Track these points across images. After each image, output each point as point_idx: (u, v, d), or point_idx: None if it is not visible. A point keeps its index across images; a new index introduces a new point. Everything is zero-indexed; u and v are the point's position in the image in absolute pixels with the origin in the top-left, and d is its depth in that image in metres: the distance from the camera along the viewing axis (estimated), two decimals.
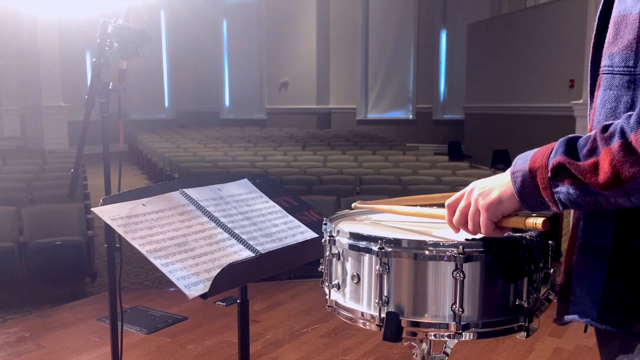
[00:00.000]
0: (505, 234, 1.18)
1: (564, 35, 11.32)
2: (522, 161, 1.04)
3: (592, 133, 0.96)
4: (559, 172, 0.97)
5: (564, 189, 0.97)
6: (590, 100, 1.12)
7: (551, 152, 0.99)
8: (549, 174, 0.98)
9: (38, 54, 11.19)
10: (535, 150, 1.03)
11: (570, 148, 0.97)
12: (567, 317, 1.09)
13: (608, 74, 1.03)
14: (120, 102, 2.23)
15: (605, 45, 1.05)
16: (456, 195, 1.15)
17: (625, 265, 1.00)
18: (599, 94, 1.06)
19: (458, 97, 16.91)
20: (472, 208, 1.11)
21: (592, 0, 6.28)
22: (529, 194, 1.02)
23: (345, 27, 18.72)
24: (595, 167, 0.93)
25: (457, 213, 1.14)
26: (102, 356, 3.40)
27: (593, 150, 0.94)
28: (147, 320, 3.94)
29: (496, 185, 1.08)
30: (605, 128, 0.94)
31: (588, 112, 1.12)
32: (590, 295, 1.04)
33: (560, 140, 0.99)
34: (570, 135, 1.00)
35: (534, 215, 1.09)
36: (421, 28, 17.88)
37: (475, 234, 1.13)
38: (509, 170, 1.07)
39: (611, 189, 0.92)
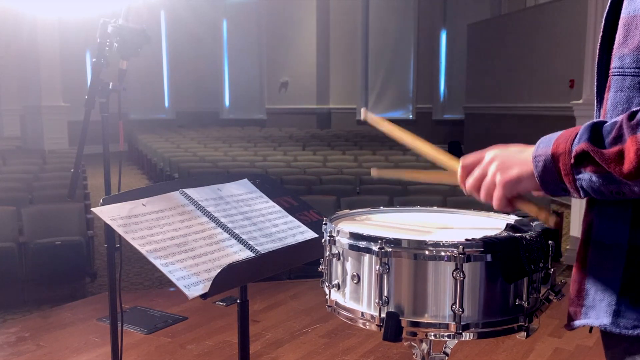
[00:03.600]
0: (506, 234, 1.18)
1: (564, 35, 11.31)
2: (545, 145, 1.01)
3: (619, 119, 0.94)
4: (583, 159, 0.95)
5: (586, 177, 0.95)
6: (598, 103, 1.09)
7: (575, 137, 0.97)
8: (572, 161, 0.96)
9: (38, 54, 11.16)
10: (559, 133, 1.00)
11: (595, 135, 0.94)
12: (578, 322, 1.06)
13: (619, 75, 1.01)
14: (120, 102, 2.23)
15: (615, 46, 1.03)
16: (473, 156, 1.13)
17: None
18: (610, 95, 1.03)
19: (458, 97, 16.90)
20: (488, 179, 1.09)
21: (592, 0, 6.26)
22: (550, 179, 1.00)
23: (345, 27, 18.70)
24: (620, 155, 0.91)
25: (472, 179, 1.12)
26: (102, 356, 3.40)
27: (619, 138, 0.92)
28: (147, 320, 3.93)
29: (517, 163, 1.05)
30: (632, 115, 0.92)
31: (595, 114, 1.10)
32: (605, 299, 1.02)
33: (585, 125, 0.97)
34: (595, 120, 0.98)
35: (546, 209, 1.08)
36: (421, 28, 17.87)
37: (485, 202, 1.12)
38: (530, 151, 1.04)
39: (636, 179, 0.90)
